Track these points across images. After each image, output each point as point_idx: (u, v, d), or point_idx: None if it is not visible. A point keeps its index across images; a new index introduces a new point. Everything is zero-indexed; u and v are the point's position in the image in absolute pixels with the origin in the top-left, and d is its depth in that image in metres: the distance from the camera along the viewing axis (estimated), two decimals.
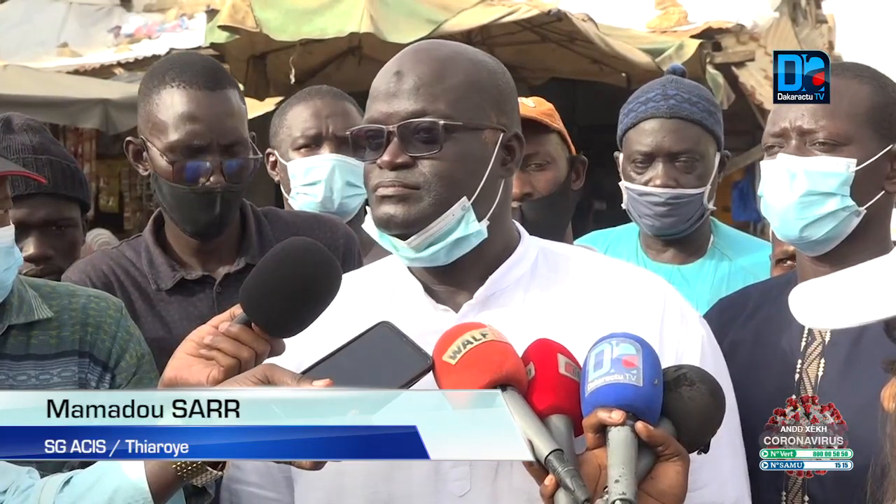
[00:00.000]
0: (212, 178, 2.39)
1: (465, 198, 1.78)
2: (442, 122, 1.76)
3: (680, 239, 3.01)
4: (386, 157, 1.77)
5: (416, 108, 1.77)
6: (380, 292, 1.89)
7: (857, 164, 2.10)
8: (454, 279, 1.83)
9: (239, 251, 2.51)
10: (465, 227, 1.78)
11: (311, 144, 3.12)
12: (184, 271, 2.48)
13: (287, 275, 1.70)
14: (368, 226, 1.84)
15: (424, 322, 1.77)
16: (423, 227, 1.77)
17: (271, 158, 3.22)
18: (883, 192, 2.13)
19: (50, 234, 2.70)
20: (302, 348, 1.74)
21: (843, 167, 2.10)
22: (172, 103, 2.39)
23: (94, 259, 2.56)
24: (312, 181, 3.09)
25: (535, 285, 1.84)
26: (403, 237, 1.79)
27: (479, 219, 1.80)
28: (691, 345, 1.81)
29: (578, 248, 1.95)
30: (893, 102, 2.14)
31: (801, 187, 2.11)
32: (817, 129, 2.11)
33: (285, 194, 3.20)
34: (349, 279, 1.95)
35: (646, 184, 2.90)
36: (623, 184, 2.97)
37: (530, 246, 1.89)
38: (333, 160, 3.09)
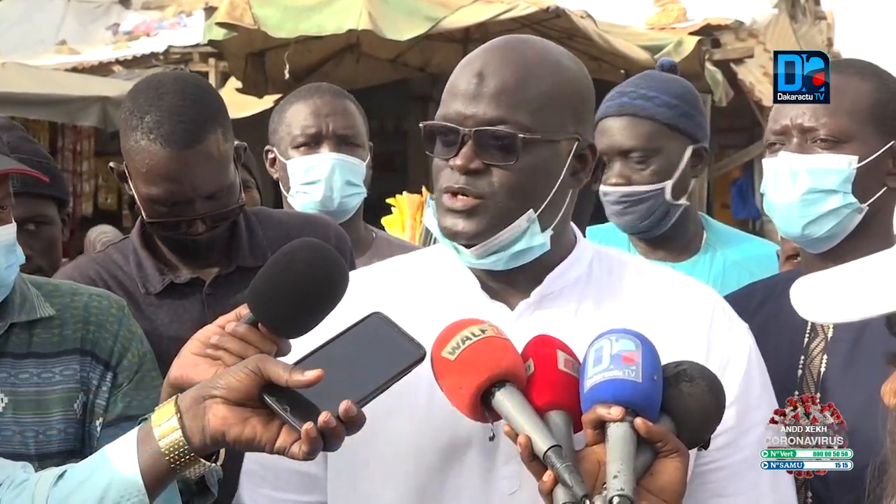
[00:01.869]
0: (192, 228, 2.35)
1: (531, 210, 1.76)
2: (521, 135, 1.73)
3: (663, 237, 2.99)
4: (459, 161, 1.74)
5: (496, 115, 1.73)
6: (434, 281, 1.87)
7: (859, 161, 2.10)
8: (510, 277, 1.81)
9: (229, 253, 2.48)
10: (528, 239, 1.77)
11: (311, 143, 3.10)
12: (172, 275, 2.45)
13: (295, 276, 1.69)
14: (430, 222, 1.83)
15: (478, 315, 1.73)
16: (487, 237, 1.75)
17: (270, 156, 3.21)
18: (885, 188, 2.13)
19: (26, 233, 2.67)
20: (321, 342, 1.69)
21: (844, 164, 2.10)
22: (150, 157, 2.28)
23: (80, 264, 2.54)
24: (312, 180, 3.09)
25: (591, 287, 1.83)
26: (467, 246, 1.77)
27: (544, 229, 1.78)
28: (738, 354, 1.80)
29: (629, 254, 1.94)
30: (893, 101, 2.14)
31: (803, 185, 2.11)
32: (818, 127, 2.11)
33: (284, 192, 3.18)
34: (401, 264, 1.95)
35: (604, 183, 2.90)
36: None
37: (586, 248, 1.87)
38: (333, 159, 3.08)
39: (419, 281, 1.89)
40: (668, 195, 2.87)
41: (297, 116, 3.12)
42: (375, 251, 3.15)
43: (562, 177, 1.78)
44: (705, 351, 1.75)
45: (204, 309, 2.39)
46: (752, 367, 1.81)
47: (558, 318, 1.78)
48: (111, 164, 2.49)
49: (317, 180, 3.08)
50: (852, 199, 2.11)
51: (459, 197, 1.75)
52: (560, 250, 1.84)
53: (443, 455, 1.75)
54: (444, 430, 1.74)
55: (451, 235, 1.77)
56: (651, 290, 1.84)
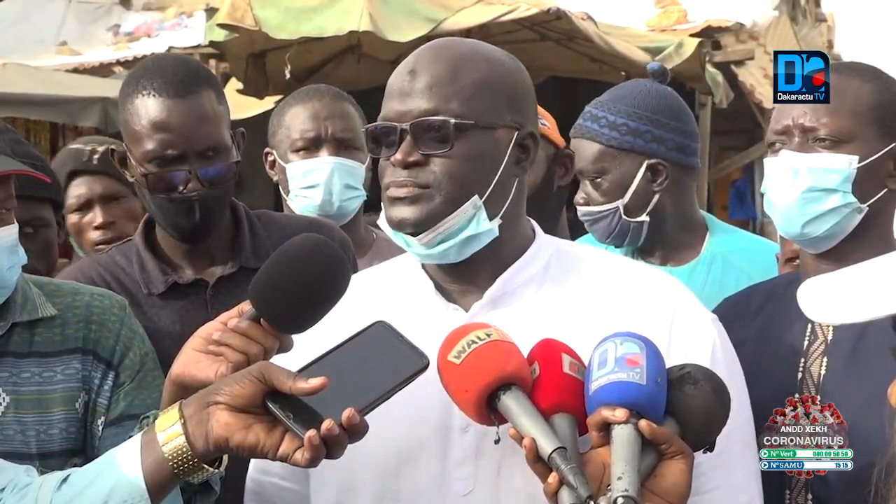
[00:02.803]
0: (189, 186, 2.35)
1: (476, 196, 1.78)
2: (453, 120, 1.76)
3: (650, 247, 3.01)
4: (398, 156, 1.77)
5: (429, 106, 1.77)
6: (391, 290, 1.89)
7: (860, 161, 2.10)
8: (466, 278, 1.83)
9: (232, 254, 2.48)
10: (476, 225, 1.78)
11: (310, 147, 3.10)
12: (176, 275, 2.45)
13: (298, 271, 1.69)
14: (382, 222, 1.84)
15: (434, 320, 1.77)
16: (433, 224, 1.77)
17: (269, 158, 3.20)
18: (886, 189, 2.13)
19: (24, 236, 2.67)
20: (308, 345, 1.73)
21: (844, 164, 2.10)
22: (144, 113, 2.34)
23: (83, 265, 2.54)
24: (311, 184, 3.08)
25: (547, 285, 1.84)
26: (415, 234, 1.79)
27: (492, 217, 1.80)
28: (701, 348, 1.79)
29: (593, 248, 1.95)
30: (894, 102, 2.14)
31: (803, 184, 2.12)
32: (819, 127, 2.11)
33: (284, 195, 3.17)
34: (360, 277, 1.96)
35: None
36: None
37: (544, 245, 1.88)
38: (332, 163, 3.07)
39: (377, 290, 1.91)
40: (622, 214, 2.93)
41: (296, 119, 3.11)
42: (376, 252, 3.15)
43: (504, 164, 1.80)
44: (666, 345, 1.74)
45: (207, 310, 2.39)
46: (716, 360, 1.79)
47: (513, 317, 1.78)
48: (111, 146, 2.50)
49: (316, 184, 3.07)
50: (852, 198, 2.11)
51: (401, 189, 1.78)
52: (515, 248, 1.85)
53: (398, 458, 1.76)
54: (400, 433, 1.75)
55: (398, 225, 1.79)
56: (612, 285, 1.84)
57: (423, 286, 1.85)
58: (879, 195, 2.13)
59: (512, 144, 1.81)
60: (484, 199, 1.79)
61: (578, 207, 2.95)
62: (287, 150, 3.13)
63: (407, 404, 1.67)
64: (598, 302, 1.81)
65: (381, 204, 1.84)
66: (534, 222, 1.92)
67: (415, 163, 1.77)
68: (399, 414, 1.70)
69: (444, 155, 1.76)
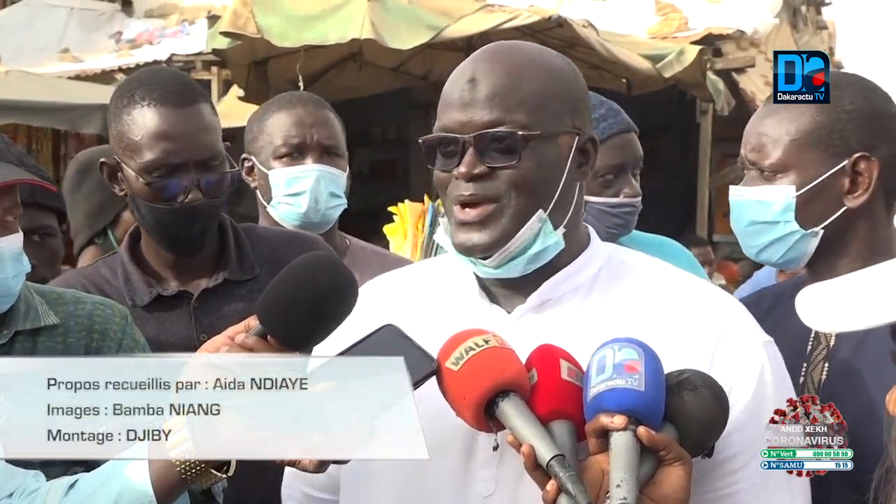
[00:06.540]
0: (190, 196, 2.36)
1: (541, 210, 1.76)
2: (520, 132, 1.73)
3: None
4: (463, 169, 1.74)
5: (493, 117, 1.73)
6: (435, 288, 1.88)
7: (797, 190, 2.10)
8: (514, 281, 1.81)
9: (217, 266, 2.48)
10: (542, 239, 1.76)
11: (294, 153, 3.03)
12: (160, 287, 2.45)
13: (306, 288, 1.69)
14: (440, 236, 1.83)
15: (476, 320, 1.76)
16: (502, 245, 1.75)
17: (247, 164, 3.11)
18: (845, 208, 2.11)
19: (31, 243, 2.70)
20: (344, 342, 1.71)
21: (782, 196, 2.11)
22: (144, 122, 2.34)
23: (68, 278, 2.54)
24: (296, 191, 3.02)
25: (594, 295, 1.81)
26: (483, 258, 1.77)
27: (556, 227, 1.78)
28: (745, 370, 1.76)
29: (650, 259, 1.94)
30: (842, 119, 2.09)
31: (746, 217, 2.16)
32: (757, 160, 2.14)
33: (264, 202, 3.09)
34: (405, 273, 1.97)
35: (616, 195, 2.91)
36: (590, 198, 2.86)
37: (597, 253, 1.86)
38: (318, 170, 3.01)
39: (420, 289, 1.90)
40: None
41: (280, 126, 3.04)
42: (351, 259, 3.10)
43: (566, 172, 1.78)
44: (708, 365, 1.72)
45: (191, 322, 2.40)
46: (762, 387, 1.76)
47: (556, 323, 1.78)
48: (102, 159, 2.47)
49: (301, 192, 3.01)
50: (796, 226, 2.11)
51: (468, 209, 1.75)
52: (567, 255, 1.82)
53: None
54: (427, 428, 1.72)
55: (466, 251, 1.77)
56: (659, 300, 1.81)
57: (467, 286, 1.84)
58: (837, 214, 2.11)
59: (573, 150, 1.79)
60: (549, 210, 1.77)
61: (634, 199, 2.92)
62: (269, 157, 3.05)
63: (436, 401, 1.66)
64: (643, 316, 1.78)
65: (442, 219, 1.82)
66: (590, 228, 1.90)
67: (480, 175, 1.74)
68: (426, 410, 1.68)
69: (511, 167, 1.73)
